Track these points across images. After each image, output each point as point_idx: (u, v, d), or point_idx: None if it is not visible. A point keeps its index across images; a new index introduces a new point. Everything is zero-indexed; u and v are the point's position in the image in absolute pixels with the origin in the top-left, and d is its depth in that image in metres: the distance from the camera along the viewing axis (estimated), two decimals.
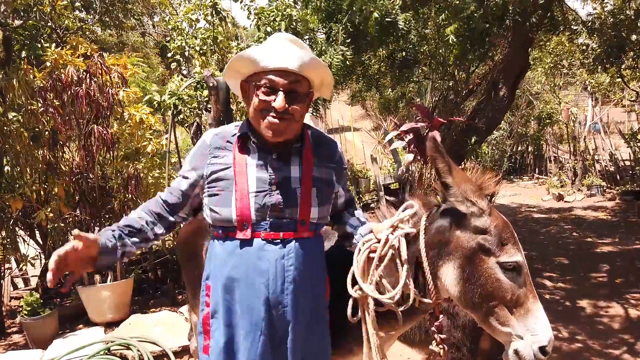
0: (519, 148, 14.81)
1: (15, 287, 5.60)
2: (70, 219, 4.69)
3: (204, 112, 5.08)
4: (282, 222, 1.48)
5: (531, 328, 1.37)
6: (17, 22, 5.11)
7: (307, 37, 5.22)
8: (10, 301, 5.15)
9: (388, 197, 6.75)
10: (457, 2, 4.36)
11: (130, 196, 4.82)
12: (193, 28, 5.88)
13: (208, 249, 1.63)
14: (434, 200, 1.64)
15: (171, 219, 1.60)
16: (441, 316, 1.56)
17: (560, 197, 10.83)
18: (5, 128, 4.29)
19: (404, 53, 6.09)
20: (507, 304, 1.39)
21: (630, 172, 11.07)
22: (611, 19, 6.19)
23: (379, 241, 1.52)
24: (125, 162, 4.93)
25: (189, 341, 3.10)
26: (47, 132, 4.53)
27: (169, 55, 5.70)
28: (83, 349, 3.72)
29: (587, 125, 13.24)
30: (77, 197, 4.82)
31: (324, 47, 4.77)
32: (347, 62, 4.71)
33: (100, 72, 4.60)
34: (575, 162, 12.14)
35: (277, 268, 1.46)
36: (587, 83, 13.02)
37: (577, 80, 13.74)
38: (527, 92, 13.13)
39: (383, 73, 6.98)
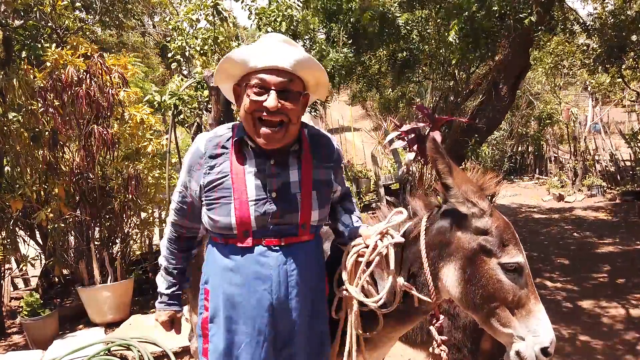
0: (520, 148, 14.78)
1: (15, 287, 5.59)
2: (71, 219, 4.68)
3: (204, 112, 5.08)
4: (283, 227, 1.46)
5: (533, 329, 1.36)
6: (18, 22, 5.12)
7: (307, 37, 5.23)
8: (10, 301, 5.14)
9: (388, 197, 6.75)
10: (458, 1, 4.35)
11: (130, 196, 4.82)
12: (194, 28, 5.87)
13: (206, 252, 1.63)
14: (435, 201, 1.63)
15: (195, 235, 1.72)
16: (442, 317, 1.56)
17: (560, 198, 10.81)
18: (6, 128, 4.29)
19: (404, 53, 6.09)
20: (509, 305, 1.38)
21: (631, 172, 11.03)
22: (612, 19, 6.19)
23: (367, 247, 1.52)
24: (126, 163, 4.93)
25: (189, 342, 3.09)
26: (47, 133, 4.52)
27: (170, 55, 5.70)
28: (83, 349, 3.73)
29: (587, 126, 13.22)
30: (77, 198, 4.81)
31: (324, 48, 4.77)
32: (349, 60, 4.70)
33: (100, 72, 4.60)
34: (576, 162, 12.10)
35: (280, 274, 1.44)
36: (587, 83, 13.01)
37: (578, 80, 13.74)
38: (527, 92, 13.12)
39: (383, 73, 6.98)
